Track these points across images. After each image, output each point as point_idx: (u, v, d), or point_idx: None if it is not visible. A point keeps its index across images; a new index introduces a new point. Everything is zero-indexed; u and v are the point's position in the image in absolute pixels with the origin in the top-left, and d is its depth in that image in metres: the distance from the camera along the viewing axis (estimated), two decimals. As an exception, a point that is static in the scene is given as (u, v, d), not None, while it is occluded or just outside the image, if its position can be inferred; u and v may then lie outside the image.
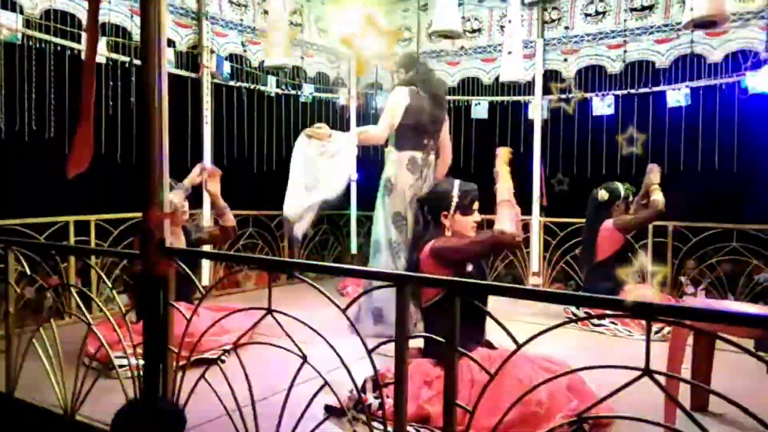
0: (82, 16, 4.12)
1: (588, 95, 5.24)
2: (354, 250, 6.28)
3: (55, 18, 3.97)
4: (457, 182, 2.74)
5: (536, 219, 5.41)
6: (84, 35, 4.10)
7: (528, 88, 5.49)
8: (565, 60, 5.37)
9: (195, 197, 4.76)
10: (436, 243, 2.62)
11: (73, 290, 2.94)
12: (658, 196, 4.21)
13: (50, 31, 3.95)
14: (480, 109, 5.71)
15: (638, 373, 1.35)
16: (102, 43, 4.18)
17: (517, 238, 2.55)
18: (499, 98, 5.66)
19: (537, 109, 5.45)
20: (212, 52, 4.91)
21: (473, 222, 2.71)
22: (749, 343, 2.86)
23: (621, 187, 4.36)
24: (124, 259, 4.07)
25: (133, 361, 2.21)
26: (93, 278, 4.07)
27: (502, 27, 5.56)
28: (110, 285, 2.51)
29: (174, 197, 3.42)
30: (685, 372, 2.61)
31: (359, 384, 1.95)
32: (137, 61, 4.10)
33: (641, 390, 1.39)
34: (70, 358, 2.49)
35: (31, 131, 3.83)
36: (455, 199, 2.66)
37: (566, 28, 5.35)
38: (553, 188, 5.19)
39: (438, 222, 2.71)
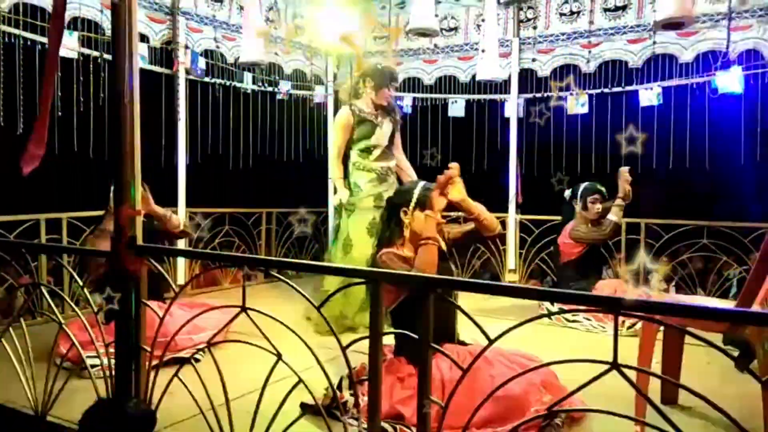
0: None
1: (564, 93, 5.30)
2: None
3: (24, 12, 3.89)
4: (422, 183, 2.73)
5: (512, 216, 5.46)
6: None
7: (504, 86, 5.53)
8: (534, 60, 5.42)
9: (170, 200, 4.73)
10: (383, 255, 2.58)
11: (44, 289, 2.88)
12: (613, 217, 4.20)
13: (19, 25, 3.87)
14: (457, 107, 5.74)
15: (607, 366, 1.37)
16: (74, 38, 4.11)
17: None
18: (475, 96, 5.69)
19: (513, 108, 5.49)
20: (187, 48, 4.86)
21: (432, 224, 2.67)
22: (718, 338, 2.93)
23: (581, 187, 4.40)
24: (97, 257, 4.00)
25: (106, 361, 2.18)
26: (65, 277, 4.00)
27: (478, 26, 5.60)
28: (82, 284, 2.47)
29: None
30: (656, 366, 2.66)
31: (335, 382, 1.96)
32: (108, 56, 4.04)
33: (614, 384, 1.41)
34: (41, 358, 2.45)
35: (0, 127, 3.76)
36: (415, 196, 2.64)
37: (534, 28, 5.40)
38: (554, 188, 5.01)
39: (398, 219, 2.68)
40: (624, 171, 4.23)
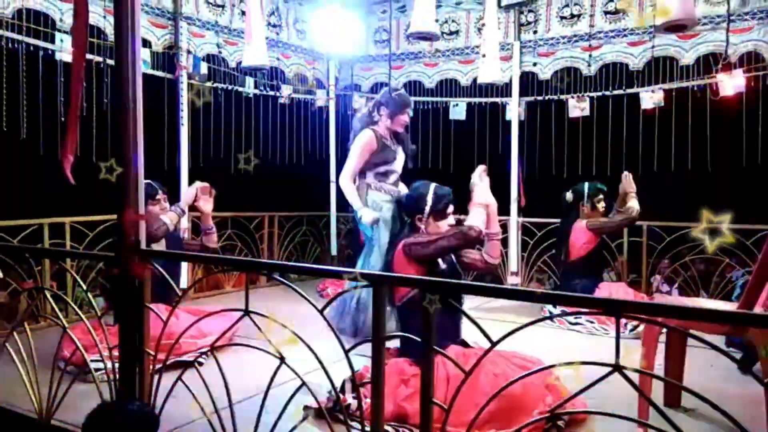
0: (56, 16, 4.07)
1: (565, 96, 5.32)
2: (334, 251, 6.27)
3: (28, 18, 3.91)
4: (432, 186, 2.77)
5: (514, 219, 5.46)
6: (58, 35, 4.05)
7: (505, 89, 5.54)
8: (535, 64, 5.43)
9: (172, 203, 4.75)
10: (407, 240, 2.65)
11: (47, 293, 2.89)
12: (633, 204, 4.30)
13: (23, 31, 3.89)
14: (458, 110, 5.75)
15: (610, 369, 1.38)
16: (76, 44, 4.13)
17: (482, 235, 2.67)
18: (476, 99, 5.70)
19: (514, 111, 5.50)
20: (189, 52, 4.87)
21: (447, 226, 2.74)
22: (721, 340, 2.93)
23: (585, 188, 4.45)
24: (100, 261, 4.01)
25: (109, 364, 2.19)
26: (68, 281, 4.01)
27: (479, 29, 5.61)
28: (85, 288, 2.48)
29: (167, 218, 3.44)
30: (659, 368, 2.66)
31: (338, 384, 1.96)
32: (111, 61, 4.06)
33: (617, 386, 1.42)
34: (45, 362, 2.46)
35: (3, 132, 3.77)
36: (429, 204, 2.70)
37: (535, 32, 5.41)
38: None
39: (413, 224, 2.74)
40: (625, 175, 4.37)
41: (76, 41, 2.30)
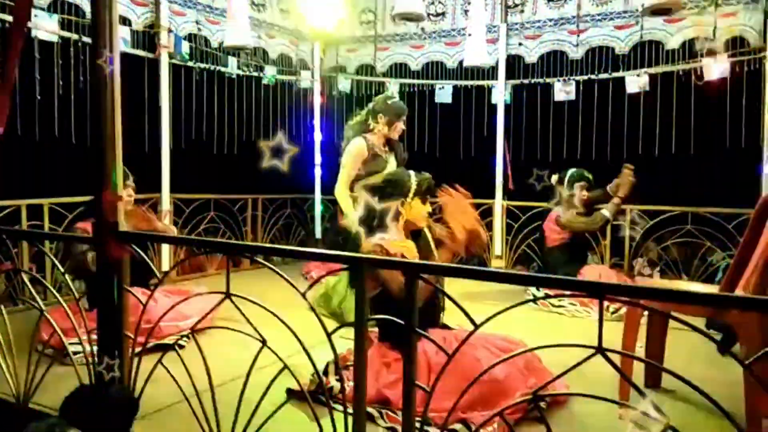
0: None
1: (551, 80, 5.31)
2: (318, 234, 6.25)
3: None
4: (410, 172, 2.73)
5: (499, 203, 5.47)
6: (33, 11, 3.94)
7: (492, 72, 5.52)
8: (520, 44, 5.40)
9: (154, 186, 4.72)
10: (373, 248, 2.57)
11: (25, 276, 2.84)
12: (604, 211, 4.27)
13: (6, 10, 3.78)
14: (444, 93, 5.72)
15: (592, 351, 1.38)
16: (54, 21, 4.04)
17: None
18: (463, 82, 5.67)
19: (500, 94, 5.48)
20: (170, 31, 4.78)
21: (425, 212, 2.70)
22: (702, 322, 2.96)
23: (569, 173, 4.44)
24: (79, 244, 3.96)
25: (88, 347, 2.16)
26: (47, 264, 3.95)
27: (465, 11, 5.56)
28: (63, 270, 2.44)
29: None
30: (640, 350, 2.68)
31: (320, 367, 1.95)
32: (88, 39, 3.97)
33: (598, 367, 1.42)
34: (23, 345, 2.42)
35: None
36: (414, 187, 2.65)
37: (521, 11, 5.37)
38: (536, 187, 4.89)
39: (393, 210, 2.66)
40: (628, 173, 4.23)
41: (16, 9, 2.23)
